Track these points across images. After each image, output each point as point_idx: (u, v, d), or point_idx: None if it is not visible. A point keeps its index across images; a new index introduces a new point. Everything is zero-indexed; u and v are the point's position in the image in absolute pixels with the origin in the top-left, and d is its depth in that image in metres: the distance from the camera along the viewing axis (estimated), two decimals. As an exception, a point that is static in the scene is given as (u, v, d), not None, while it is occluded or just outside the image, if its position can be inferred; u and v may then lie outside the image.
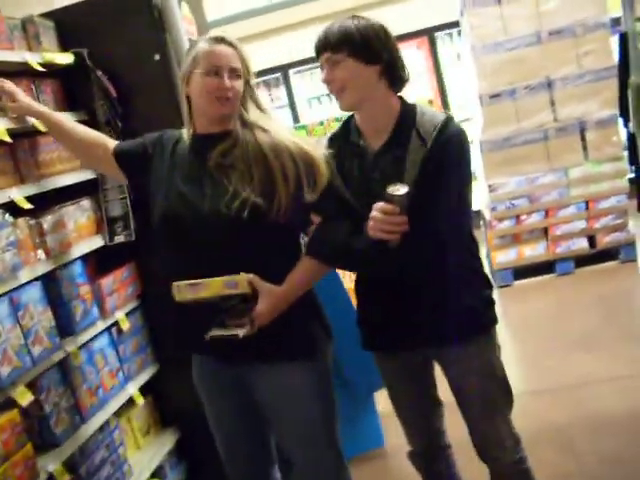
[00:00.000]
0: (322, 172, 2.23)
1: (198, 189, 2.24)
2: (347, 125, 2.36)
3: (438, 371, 2.50)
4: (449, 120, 2.22)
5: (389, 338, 2.39)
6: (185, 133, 2.38)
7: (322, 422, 2.35)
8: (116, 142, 2.56)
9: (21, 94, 2.59)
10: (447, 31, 8.83)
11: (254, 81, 2.32)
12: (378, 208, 2.05)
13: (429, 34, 8.84)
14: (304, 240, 2.39)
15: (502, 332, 5.50)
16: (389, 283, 2.30)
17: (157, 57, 3.10)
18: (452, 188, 2.19)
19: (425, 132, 2.18)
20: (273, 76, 9.52)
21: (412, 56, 8.90)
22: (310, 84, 9.39)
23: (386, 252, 2.09)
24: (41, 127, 2.77)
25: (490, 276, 6.49)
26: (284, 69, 9.28)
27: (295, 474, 2.44)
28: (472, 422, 2.45)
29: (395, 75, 2.23)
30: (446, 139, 2.18)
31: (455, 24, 7.46)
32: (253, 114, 2.28)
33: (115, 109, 3.11)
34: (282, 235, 2.24)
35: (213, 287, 2.10)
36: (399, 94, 2.31)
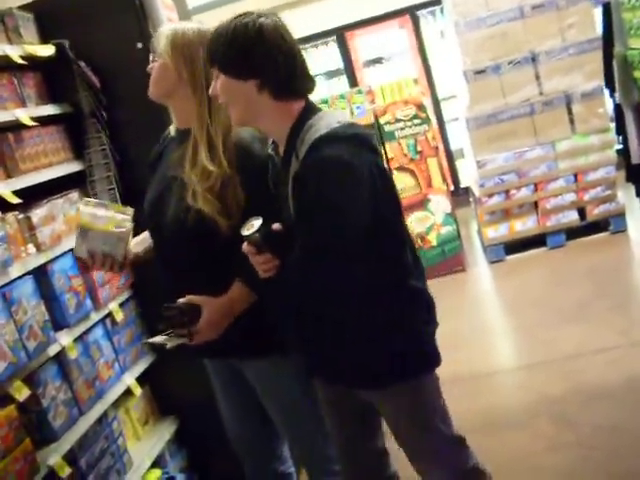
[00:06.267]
0: None
1: (166, 194, 2.29)
2: None
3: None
4: (326, 139, 1.88)
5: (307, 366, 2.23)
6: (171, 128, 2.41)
7: (301, 408, 2.41)
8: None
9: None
10: (430, 9, 8.79)
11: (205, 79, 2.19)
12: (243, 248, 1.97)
13: (412, 12, 8.79)
14: None
15: (495, 307, 5.61)
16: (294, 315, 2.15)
17: (140, 45, 3.08)
18: (314, 221, 1.89)
19: (301, 151, 1.92)
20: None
21: (395, 35, 8.87)
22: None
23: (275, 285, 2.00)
24: (25, 121, 2.75)
25: (482, 252, 6.42)
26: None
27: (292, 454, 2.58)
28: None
29: (280, 86, 1.95)
30: (311, 162, 1.88)
31: (437, 1, 7.43)
32: (198, 113, 2.21)
33: (99, 100, 3.09)
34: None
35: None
36: (306, 98, 2.03)
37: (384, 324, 2.01)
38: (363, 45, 8.93)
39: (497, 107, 6.15)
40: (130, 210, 2.36)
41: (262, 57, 1.92)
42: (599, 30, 5.84)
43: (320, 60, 8.84)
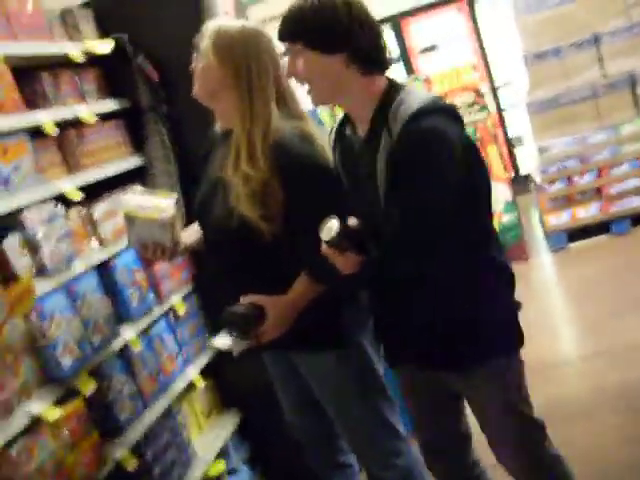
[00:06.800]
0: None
1: (212, 194, 2.27)
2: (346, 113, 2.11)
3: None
4: (422, 112, 1.85)
5: (390, 352, 2.22)
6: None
7: (360, 404, 2.36)
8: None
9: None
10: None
11: (246, 80, 2.16)
12: (322, 248, 1.88)
13: (468, -4, 8.66)
14: None
15: (559, 296, 5.48)
16: (380, 297, 2.14)
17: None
18: (410, 194, 1.85)
19: (394, 126, 1.88)
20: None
21: (451, 21, 8.74)
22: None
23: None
24: (87, 117, 2.78)
25: (544, 240, 6.28)
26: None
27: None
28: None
29: (368, 59, 1.93)
30: (409, 136, 1.84)
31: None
32: (239, 116, 2.17)
33: (158, 94, 3.10)
34: (284, 245, 2.18)
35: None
36: (387, 75, 2.01)
37: (476, 299, 1.98)
38: (418, 32, 8.82)
39: (558, 91, 5.98)
40: (174, 195, 2.33)
41: (350, 30, 1.88)
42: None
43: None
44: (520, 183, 8.19)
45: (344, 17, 1.88)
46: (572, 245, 6.21)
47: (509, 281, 2.09)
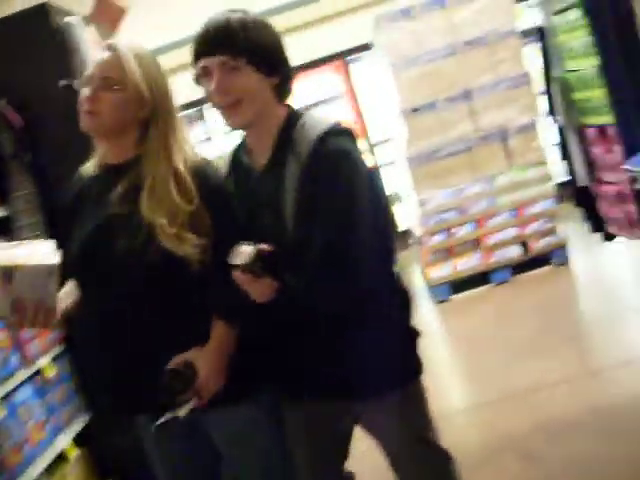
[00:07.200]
0: None
1: (108, 233, 2.01)
2: (243, 140, 2.09)
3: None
4: (328, 134, 1.88)
5: (295, 386, 2.11)
6: (89, 166, 2.14)
7: (275, 454, 2.17)
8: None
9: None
10: (361, 53, 8.84)
11: (167, 106, 2.01)
12: (234, 275, 1.80)
13: (344, 57, 8.84)
14: None
15: (446, 347, 5.50)
16: (288, 328, 2.01)
17: (64, 83, 2.92)
18: (326, 217, 1.84)
19: (300, 149, 1.88)
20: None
21: (327, 81, 8.89)
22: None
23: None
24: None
25: (426, 293, 6.35)
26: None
27: None
28: None
29: (287, 88, 1.99)
30: (320, 157, 1.86)
31: (367, 47, 7.46)
32: (159, 145, 1.99)
33: (21, 140, 2.92)
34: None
35: None
36: (286, 102, 2.04)
37: (391, 326, 2.00)
38: (296, 91, 8.88)
39: (435, 144, 6.14)
40: (51, 242, 2.04)
41: (285, 55, 1.94)
42: (528, 65, 5.99)
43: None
44: (399, 239, 8.31)
45: (280, 42, 1.92)
46: (455, 297, 6.31)
47: (409, 306, 2.10)
